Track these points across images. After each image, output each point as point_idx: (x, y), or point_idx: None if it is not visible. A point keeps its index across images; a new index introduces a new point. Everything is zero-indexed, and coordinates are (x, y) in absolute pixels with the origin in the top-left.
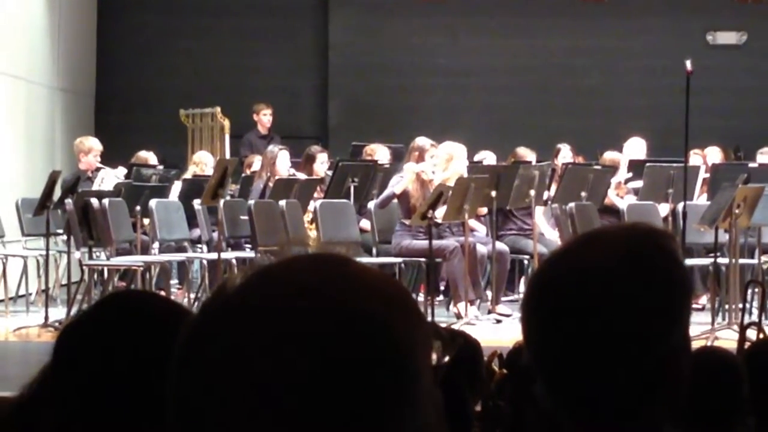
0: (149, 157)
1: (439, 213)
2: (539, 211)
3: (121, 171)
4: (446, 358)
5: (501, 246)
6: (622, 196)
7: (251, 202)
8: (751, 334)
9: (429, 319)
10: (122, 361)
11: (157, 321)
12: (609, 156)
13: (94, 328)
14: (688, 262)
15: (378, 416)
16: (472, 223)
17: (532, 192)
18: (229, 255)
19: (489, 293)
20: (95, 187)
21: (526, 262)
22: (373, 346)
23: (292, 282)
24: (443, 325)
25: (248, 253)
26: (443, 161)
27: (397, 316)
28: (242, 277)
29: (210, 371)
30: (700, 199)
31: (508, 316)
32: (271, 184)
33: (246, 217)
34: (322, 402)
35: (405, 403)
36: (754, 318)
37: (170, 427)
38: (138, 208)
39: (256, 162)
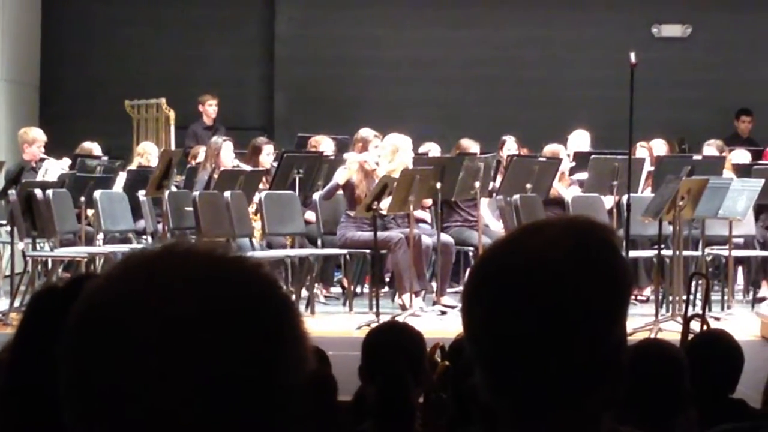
0: (93, 147)
1: (384, 204)
2: (484, 203)
3: (66, 162)
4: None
5: (446, 237)
6: (566, 187)
7: (196, 193)
8: (695, 325)
9: (374, 310)
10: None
11: None
12: (549, 148)
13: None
14: (633, 254)
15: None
16: (419, 213)
17: (477, 184)
18: None
19: (434, 285)
20: (39, 177)
21: (471, 253)
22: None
23: (163, 277)
24: (388, 317)
25: None
26: (389, 153)
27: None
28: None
29: (98, 366)
30: (645, 192)
31: (453, 307)
32: (216, 176)
33: (191, 209)
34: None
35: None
36: (698, 310)
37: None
38: (82, 199)
39: (201, 153)
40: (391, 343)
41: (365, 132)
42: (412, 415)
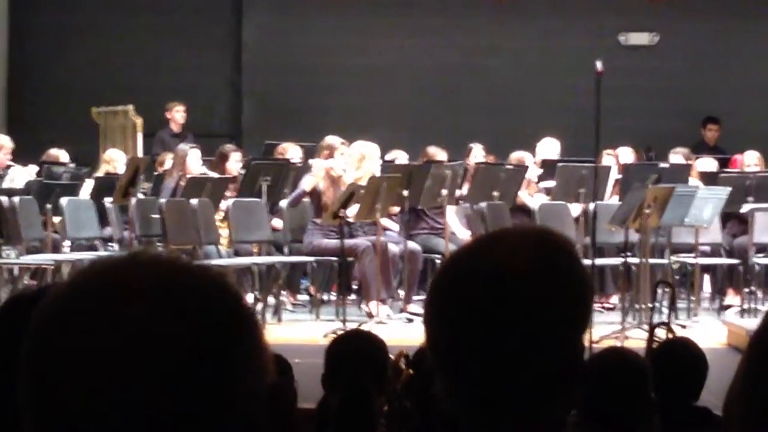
0: (60, 154)
1: (351, 212)
2: (451, 211)
3: (32, 169)
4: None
5: (413, 245)
6: (531, 194)
7: (162, 200)
8: (661, 333)
9: (341, 318)
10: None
11: None
12: (516, 156)
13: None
14: (599, 261)
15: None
16: (386, 221)
17: (444, 191)
18: None
19: (401, 292)
20: (5, 184)
21: (438, 261)
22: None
23: (126, 285)
24: (355, 325)
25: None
26: (356, 160)
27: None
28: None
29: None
30: (612, 200)
31: (419, 315)
32: (182, 183)
33: (157, 216)
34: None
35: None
36: (664, 317)
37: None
38: (49, 206)
39: (168, 160)
40: (353, 352)
41: (331, 139)
42: (374, 423)
